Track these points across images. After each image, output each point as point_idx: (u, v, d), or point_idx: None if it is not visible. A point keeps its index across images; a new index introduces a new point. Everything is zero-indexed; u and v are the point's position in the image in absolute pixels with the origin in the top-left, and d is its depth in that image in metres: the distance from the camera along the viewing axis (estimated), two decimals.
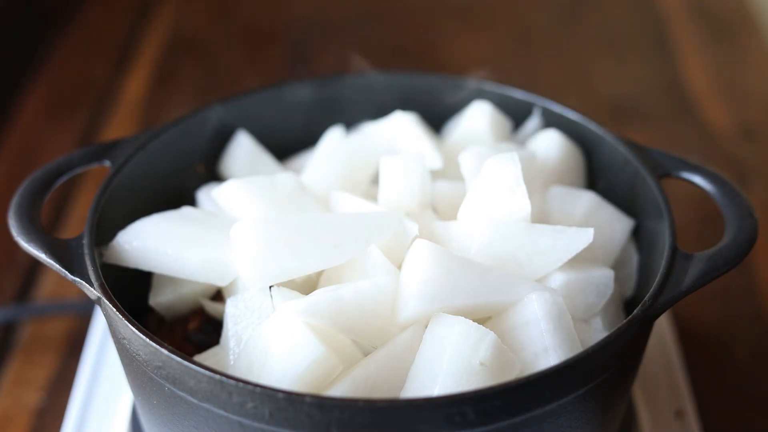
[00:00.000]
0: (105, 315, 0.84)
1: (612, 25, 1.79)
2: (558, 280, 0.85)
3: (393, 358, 0.78)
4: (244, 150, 1.03)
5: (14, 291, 1.26)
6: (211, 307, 0.90)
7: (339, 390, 0.77)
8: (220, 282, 0.87)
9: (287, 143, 1.09)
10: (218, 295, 0.90)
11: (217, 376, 0.73)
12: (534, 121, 1.04)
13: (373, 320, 0.79)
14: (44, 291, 1.26)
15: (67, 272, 0.84)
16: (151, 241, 0.87)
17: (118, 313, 0.79)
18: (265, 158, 1.03)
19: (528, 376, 0.73)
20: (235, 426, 0.75)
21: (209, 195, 0.98)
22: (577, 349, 0.79)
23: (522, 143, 1.04)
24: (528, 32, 1.77)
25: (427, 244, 0.81)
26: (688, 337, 1.15)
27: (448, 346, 0.76)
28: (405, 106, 1.06)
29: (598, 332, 0.86)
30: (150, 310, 0.93)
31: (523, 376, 0.73)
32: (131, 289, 0.83)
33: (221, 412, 0.75)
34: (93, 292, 0.83)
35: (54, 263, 0.85)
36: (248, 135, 1.05)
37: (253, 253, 0.82)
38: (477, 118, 1.02)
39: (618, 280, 0.90)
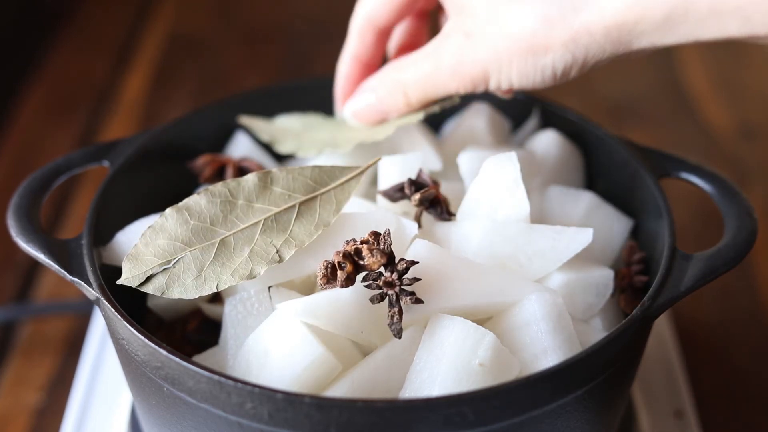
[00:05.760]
0: (104, 315, 0.84)
1: None
2: (557, 280, 0.85)
3: (392, 358, 0.78)
4: (243, 150, 1.03)
5: (14, 291, 1.26)
6: (209, 309, 0.90)
7: (338, 390, 0.77)
8: None
9: None
10: (217, 296, 0.90)
11: (216, 377, 0.73)
12: (533, 121, 1.04)
13: (373, 320, 0.79)
14: (44, 291, 1.26)
15: (66, 273, 0.84)
16: None
17: (117, 313, 0.79)
18: (264, 158, 1.03)
19: (527, 377, 0.73)
20: (234, 426, 0.75)
21: None
22: (576, 350, 0.79)
23: (521, 143, 1.04)
24: None
25: (426, 244, 0.81)
26: (687, 337, 1.15)
27: (447, 347, 0.76)
28: None
29: (597, 332, 0.86)
30: (149, 310, 0.93)
31: (523, 377, 0.73)
32: (130, 290, 0.83)
33: (220, 412, 0.75)
34: (92, 292, 0.83)
35: (53, 264, 0.85)
36: (248, 135, 1.05)
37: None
38: (476, 119, 1.02)
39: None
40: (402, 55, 0.99)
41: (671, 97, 1.59)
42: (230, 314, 0.84)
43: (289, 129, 1.03)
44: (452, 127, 1.07)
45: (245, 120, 1.03)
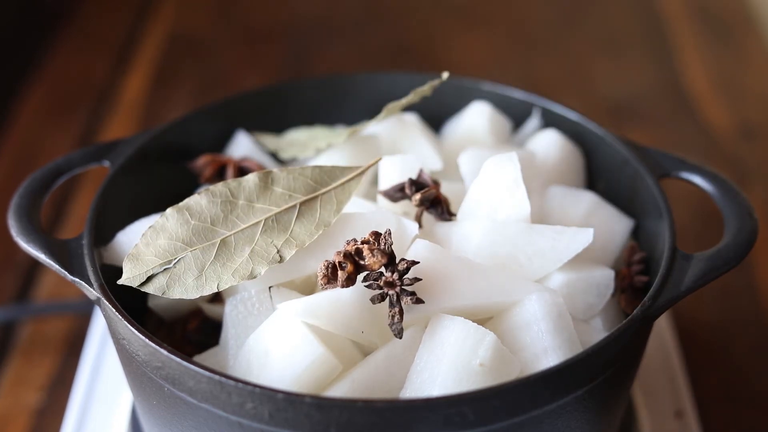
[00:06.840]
0: (105, 315, 0.84)
1: (612, 25, 1.79)
2: (558, 280, 0.85)
3: (392, 358, 0.78)
4: (243, 150, 1.03)
5: (14, 291, 1.26)
6: (210, 309, 0.90)
7: (338, 390, 0.77)
8: None
9: None
10: (217, 296, 0.90)
11: (217, 377, 0.73)
12: (534, 121, 1.04)
13: (373, 320, 0.79)
14: (44, 291, 1.26)
15: (66, 273, 0.84)
16: None
17: (117, 313, 0.79)
18: (264, 159, 1.03)
19: (527, 377, 0.73)
20: (234, 426, 0.75)
21: None
22: (577, 350, 0.79)
23: (522, 143, 1.04)
24: (528, 32, 1.77)
25: (427, 244, 0.81)
26: (688, 337, 1.15)
27: (448, 347, 0.76)
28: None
29: (598, 332, 0.86)
30: (149, 310, 0.93)
31: (523, 377, 0.73)
32: (131, 290, 0.83)
33: (220, 412, 0.75)
34: (93, 292, 0.83)
35: (53, 264, 0.85)
36: (248, 135, 1.05)
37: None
38: (476, 119, 1.02)
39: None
40: None
41: (671, 97, 1.59)
42: (231, 314, 0.84)
43: (295, 140, 1.03)
44: (452, 127, 1.07)
45: (255, 135, 1.04)
